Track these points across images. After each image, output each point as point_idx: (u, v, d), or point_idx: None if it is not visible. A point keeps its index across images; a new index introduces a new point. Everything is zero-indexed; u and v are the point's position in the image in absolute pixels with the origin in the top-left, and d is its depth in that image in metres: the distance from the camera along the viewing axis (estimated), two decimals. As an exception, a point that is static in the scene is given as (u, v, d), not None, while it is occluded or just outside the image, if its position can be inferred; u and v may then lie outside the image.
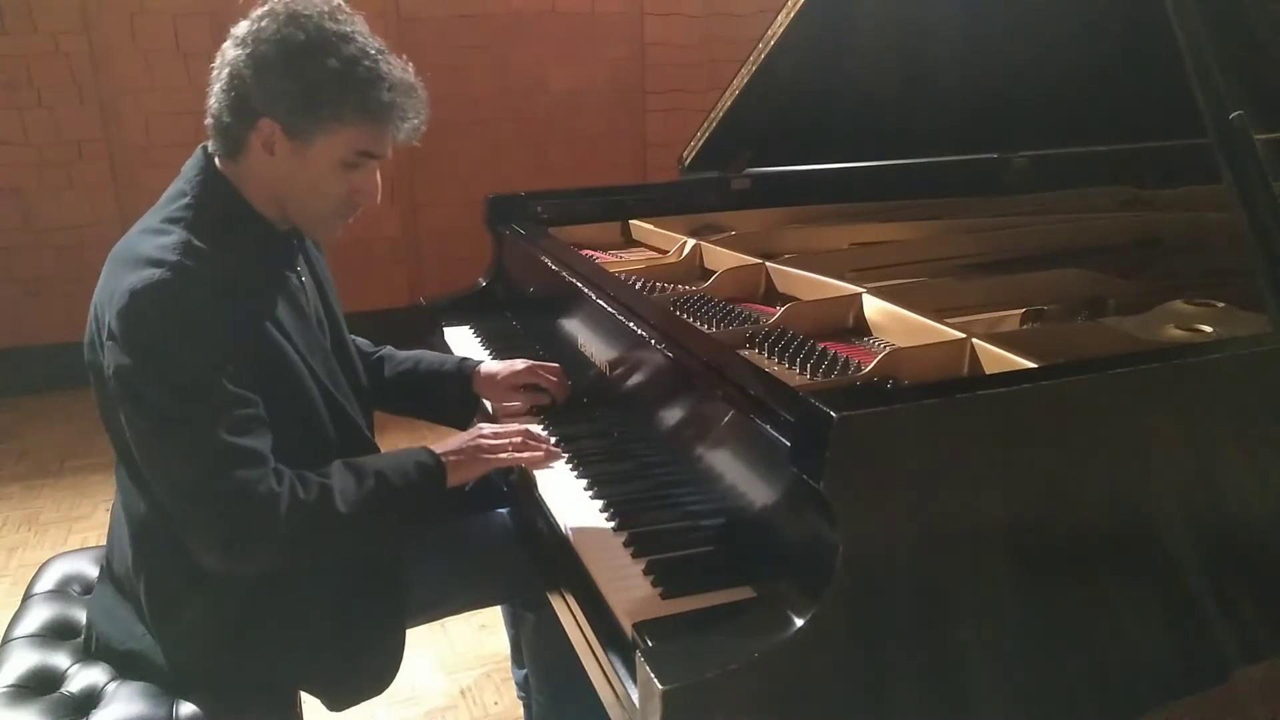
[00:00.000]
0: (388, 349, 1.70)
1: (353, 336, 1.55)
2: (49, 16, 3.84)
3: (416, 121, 1.29)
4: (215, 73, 1.25)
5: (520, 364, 1.66)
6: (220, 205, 1.27)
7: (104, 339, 1.18)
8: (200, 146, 1.31)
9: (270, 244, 1.33)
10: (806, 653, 0.92)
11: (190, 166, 1.30)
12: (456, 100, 4.35)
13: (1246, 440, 1.14)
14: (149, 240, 1.21)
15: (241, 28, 1.24)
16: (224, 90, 1.24)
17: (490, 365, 1.68)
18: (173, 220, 1.23)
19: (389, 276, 4.42)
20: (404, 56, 1.29)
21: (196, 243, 1.20)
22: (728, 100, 2.12)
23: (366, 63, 1.22)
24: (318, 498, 1.21)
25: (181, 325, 1.16)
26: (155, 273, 1.15)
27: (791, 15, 1.89)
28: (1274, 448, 1.16)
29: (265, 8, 1.23)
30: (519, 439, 1.42)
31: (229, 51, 1.24)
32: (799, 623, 0.92)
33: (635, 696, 0.96)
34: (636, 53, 4.77)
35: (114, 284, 1.18)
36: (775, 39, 1.95)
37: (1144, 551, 1.11)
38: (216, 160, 1.29)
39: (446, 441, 1.40)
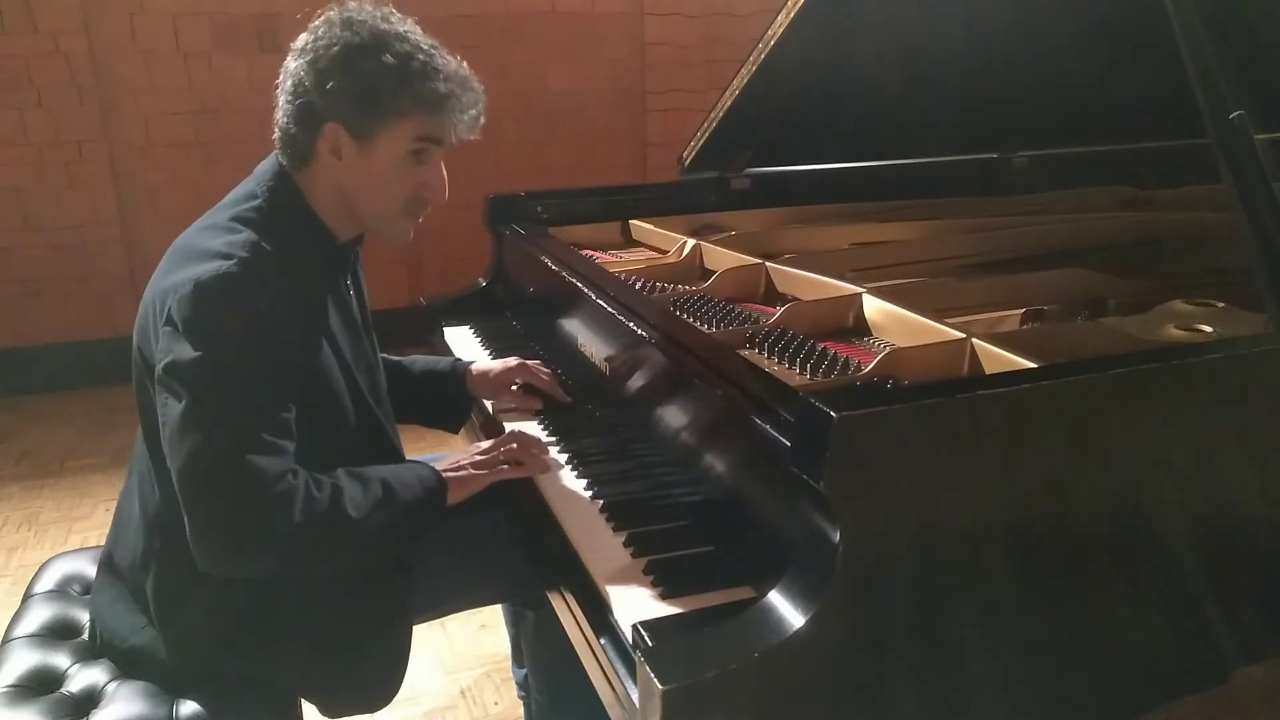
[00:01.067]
0: (381, 355, 1.70)
1: None
2: (49, 16, 3.84)
3: (474, 113, 1.31)
4: (279, 87, 1.28)
5: (513, 361, 1.67)
6: (289, 211, 1.29)
7: (160, 325, 1.18)
8: (275, 152, 1.33)
9: (331, 254, 1.35)
10: (806, 653, 0.92)
11: (264, 169, 1.32)
12: (457, 100, 4.34)
13: (1246, 440, 1.14)
14: (217, 237, 1.23)
15: (300, 40, 1.27)
16: (288, 101, 1.27)
17: (482, 364, 1.68)
18: (242, 220, 1.25)
19: (389, 276, 4.42)
20: (458, 56, 1.32)
21: (264, 245, 1.22)
22: (728, 100, 2.12)
23: (421, 57, 1.25)
24: (330, 498, 1.20)
25: (242, 318, 1.17)
26: (223, 265, 1.17)
27: (791, 15, 1.89)
28: (1274, 448, 1.16)
29: (321, 18, 1.27)
30: (513, 447, 1.43)
31: (290, 64, 1.27)
32: (799, 623, 0.92)
33: (635, 696, 0.96)
34: (636, 53, 4.77)
35: (177, 275, 1.19)
36: (775, 39, 1.95)
37: (1144, 551, 1.11)
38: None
39: (443, 460, 1.41)
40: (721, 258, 1.86)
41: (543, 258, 1.90)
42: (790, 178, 2.37)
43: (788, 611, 0.93)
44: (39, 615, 1.44)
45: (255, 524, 1.16)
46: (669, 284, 1.82)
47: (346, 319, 1.37)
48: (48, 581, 1.52)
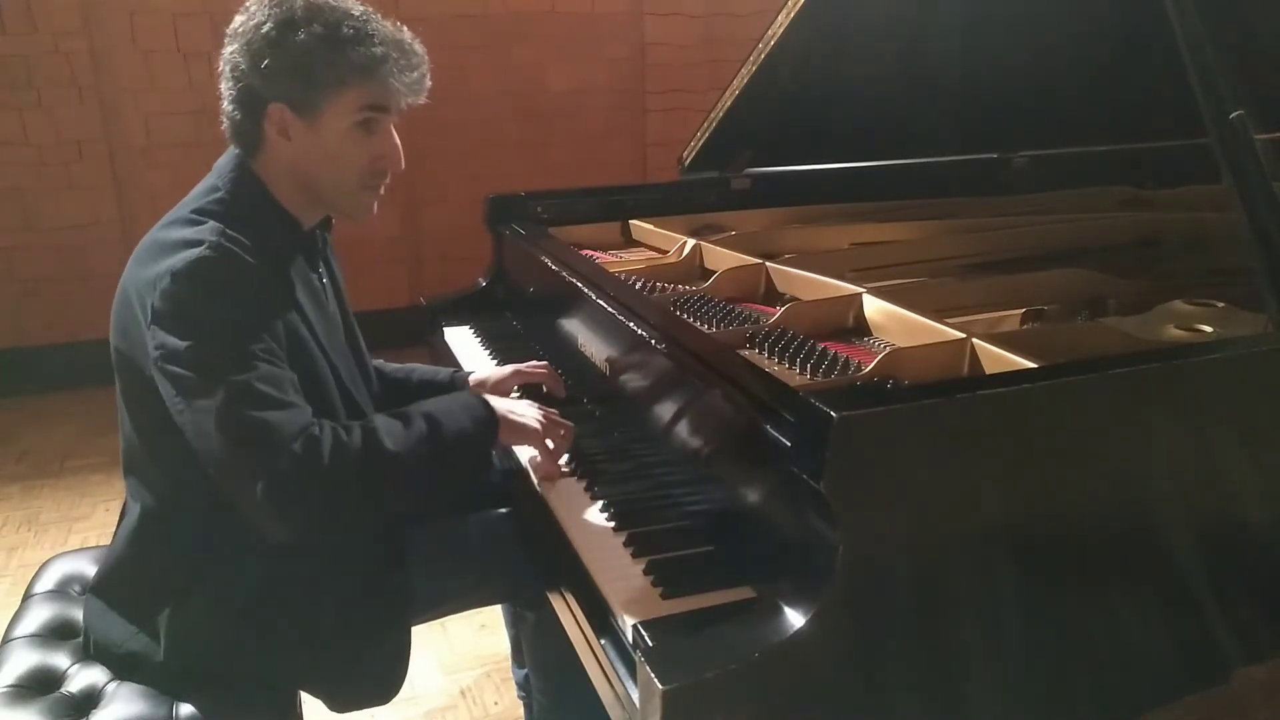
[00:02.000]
0: (378, 361, 1.69)
1: None
2: (49, 16, 3.84)
3: (416, 75, 1.29)
4: (220, 74, 1.28)
5: (507, 370, 1.66)
6: (251, 200, 1.29)
7: (146, 322, 1.18)
8: (232, 146, 1.33)
9: (297, 241, 1.35)
10: (806, 653, 0.92)
11: (224, 163, 1.32)
12: (456, 100, 4.34)
13: (1246, 440, 1.14)
14: (182, 229, 1.23)
15: (234, 23, 1.27)
16: (229, 88, 1.27)
17: (478, 375, 1.68)
18: (205, 212, 1.25)
19: (389, 276, 4.42)
20: (398, 22, 1.30)
21: (231, 232, 1.22)
22: (728, 100, 2.12)
23: (351, 23, 1.24)
24: (361, 438, 1.19)
25: (224, 296, 1.18)
26: (194, 252, 1.17)
27: (791, 15, 1.90)
28: (1274, 448, 1.16)
29: None
30: (567, 435, 1.41)
31: (226, 50, 1.27)
32: (799, 623, 0.92)
33: (635, 696, 0.96)
34: (636, 53, 4.77)
35: (150, 271, 1.19)
36: (775, 39, 1.95)
37: (1144, 551, 1.11)
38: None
39: (499, 400, 1.39)
40: (721, 258, 1.86)
41: (543, 258, 1.90)
42: (790, 178, 2.37)
43: (788, 611, 0.93)
44: (39, 615, 1.44)
45: (290, 478, 1.13)
46: (669, 284, 1.82)
47: (320, 307, 1.36)
48: (47, 581, 1.52)
